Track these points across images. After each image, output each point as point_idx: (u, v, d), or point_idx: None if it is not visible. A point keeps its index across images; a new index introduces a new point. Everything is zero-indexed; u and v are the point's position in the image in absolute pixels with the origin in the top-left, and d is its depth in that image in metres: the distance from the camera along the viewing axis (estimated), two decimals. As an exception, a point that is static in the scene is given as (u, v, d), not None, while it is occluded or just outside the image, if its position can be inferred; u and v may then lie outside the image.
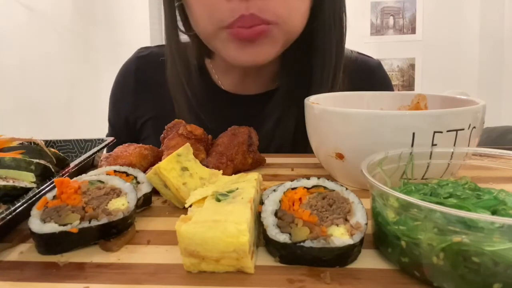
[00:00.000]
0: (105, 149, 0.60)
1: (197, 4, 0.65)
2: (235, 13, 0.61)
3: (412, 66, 3.42)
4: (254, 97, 0.80)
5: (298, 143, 0.74)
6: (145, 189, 0.44)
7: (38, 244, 0.35)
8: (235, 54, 0.66)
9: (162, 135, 0.59)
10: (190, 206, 0.36)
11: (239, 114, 0.75)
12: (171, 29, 0.73)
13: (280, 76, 0.74)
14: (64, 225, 0.35)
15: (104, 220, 0.35)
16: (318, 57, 0.71)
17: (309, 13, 0.67)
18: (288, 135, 0.74)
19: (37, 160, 0.46)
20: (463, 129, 0.44)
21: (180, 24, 0.73)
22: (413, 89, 3.42)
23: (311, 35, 0.70)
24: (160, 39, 2.71)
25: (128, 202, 0.38)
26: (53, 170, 0.48)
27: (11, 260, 0.35)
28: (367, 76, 0.85)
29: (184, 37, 0.76)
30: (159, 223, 0.41)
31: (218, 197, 0.36)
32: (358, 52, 0.87)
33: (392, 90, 0.91)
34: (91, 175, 0.43)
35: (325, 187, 0.37)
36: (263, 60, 0.67)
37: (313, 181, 0.38)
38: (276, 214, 0.34)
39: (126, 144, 0.54)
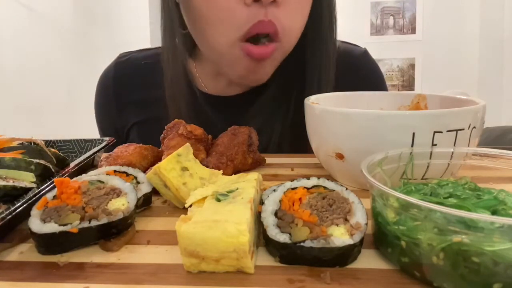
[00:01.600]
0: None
1: (212, 12, 0.62)
2: (254, 18, 0.60)
3: (412, 66, 3.43)
4: (237, 97, 0.78)
5: (285, 144, 0.74)
6: (145, 189, 0.44)
7: (38, 244, 0.35)
8: (242, 74, 0.68)
9: (162, 135, 0.59)
10: (190, 206, 0.36)
11: (220, 116, 0.74)
12: (169, 30, 0.72)
13: (268, 81, 0.72)
14: (64, 225, 0.35)
15: (104, 220, 0.35)
16: (312, 73, 0.72)
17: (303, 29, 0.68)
18: (275, 138, 0.74)
19: (37, 160, 0.46)
20: (463, 129, 0.44)
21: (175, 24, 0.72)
22: (413, 89, 3.42)
23: (304, 46, 0.70)
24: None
25: (128, 202, 0.38)
26: (53, 170, 0.48)
27: (11, 260, 0.35)
28: (352, 67, 0.81)
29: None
30: (159, 223, 0.41)
31: (218, 197, 0.36)
32: (341, 41, 0.81)
33: (382, 79, 0.86)
34: (91, 175, 0.43)
35: (325, 187, 0.37)
36: (263, 79, 0.70)
37: (313, 181, 0.38)
38: (276, 214, 0.34)
39: (126, 144, 0.54)
